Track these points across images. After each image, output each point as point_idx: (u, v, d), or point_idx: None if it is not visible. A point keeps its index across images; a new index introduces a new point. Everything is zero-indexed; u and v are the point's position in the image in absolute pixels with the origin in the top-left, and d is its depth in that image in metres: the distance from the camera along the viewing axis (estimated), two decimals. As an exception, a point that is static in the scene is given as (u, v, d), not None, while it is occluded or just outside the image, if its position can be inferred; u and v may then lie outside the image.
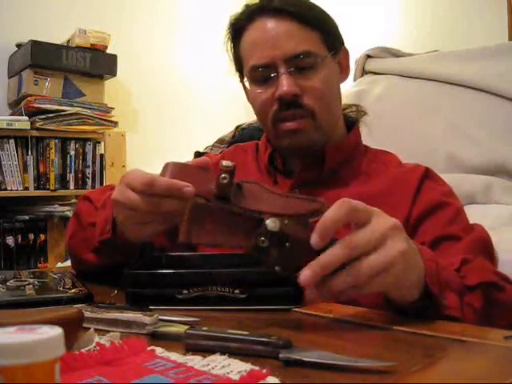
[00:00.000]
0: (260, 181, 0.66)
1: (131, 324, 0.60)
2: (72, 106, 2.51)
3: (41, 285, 0.80)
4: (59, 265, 1.82)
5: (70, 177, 2.57)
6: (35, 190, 2.46)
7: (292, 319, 0.66)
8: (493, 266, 0.81)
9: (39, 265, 2.46)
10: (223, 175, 0.62)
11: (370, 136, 1.07)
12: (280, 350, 0.49)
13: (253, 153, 1.07)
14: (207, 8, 3.13)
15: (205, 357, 0.49)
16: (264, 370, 0.44)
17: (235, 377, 0.45)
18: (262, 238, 0.57)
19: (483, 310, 0.68)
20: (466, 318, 0.65)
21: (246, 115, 1.40)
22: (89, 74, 2.58)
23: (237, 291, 0.69)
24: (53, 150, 2.51)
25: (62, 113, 2.47)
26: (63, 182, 2.55)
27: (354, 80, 1.78)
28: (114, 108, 2.65)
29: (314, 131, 0.93)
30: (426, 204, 0.88)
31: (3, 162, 2.38)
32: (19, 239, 2.43)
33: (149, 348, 0.52)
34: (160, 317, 0.60)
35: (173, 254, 0.79)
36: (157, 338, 0.57)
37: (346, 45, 1.01)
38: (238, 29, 0.97)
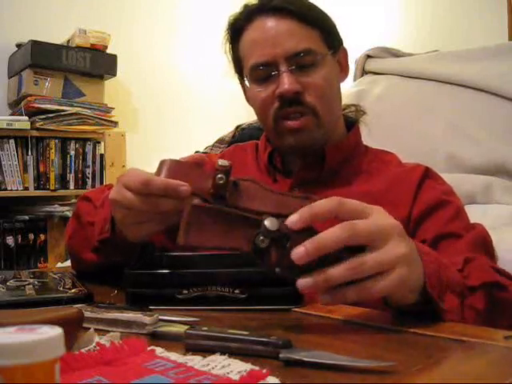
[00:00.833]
0: (256, 179, 0.65)
1: (131, 324, 0.60)
2: (72, 106, 2.51)
3: (41, 285, 0.80)
4: (59, 265, 1.82)
5: (70, 177, 2.56)
6: (35, 190, 2.46)
7: (292, 319, 0.66)
8: (494, 264, 0.81)
9: (39, 265, 2.45)
10: (219, 175, 0.62)
11: (370, 136, 1.07)
12: (280, 349, 0.49)
13: (252, 152, 1.07)
14: (207, 8, 3.13)
15: (205, 357, 0.49)
16: (264, 370, 0.44)
17: (235, 377, 0.44)
18: (262, 238, 0.56)
19: (486, 312, 0.68)
20: (468, 320, 0.65)
21: (246, 115, 1.40)
22: (89, 74, 2.58)
23: (237, 291, 0.69)
24: (53, 150, 2.51)
25: (62, 113, 2.47)
26: (63, 182, 2.54)
27: (354, 80, 1.78)
28: (113, 108, 2.64)
29: (317, 129, 0.93)
30: (427, 203, 0.88)
31: (3, 162, 2.38)
32: (19, 239, 2.43)
33: (149, 348, 0.52)
34: (160, 317, 0.60)
35: (173, 253, 0.79)
36: (157, 337, 0.57)
37: (346, 45, 1.01)
38: (237, 29, 0.97)
